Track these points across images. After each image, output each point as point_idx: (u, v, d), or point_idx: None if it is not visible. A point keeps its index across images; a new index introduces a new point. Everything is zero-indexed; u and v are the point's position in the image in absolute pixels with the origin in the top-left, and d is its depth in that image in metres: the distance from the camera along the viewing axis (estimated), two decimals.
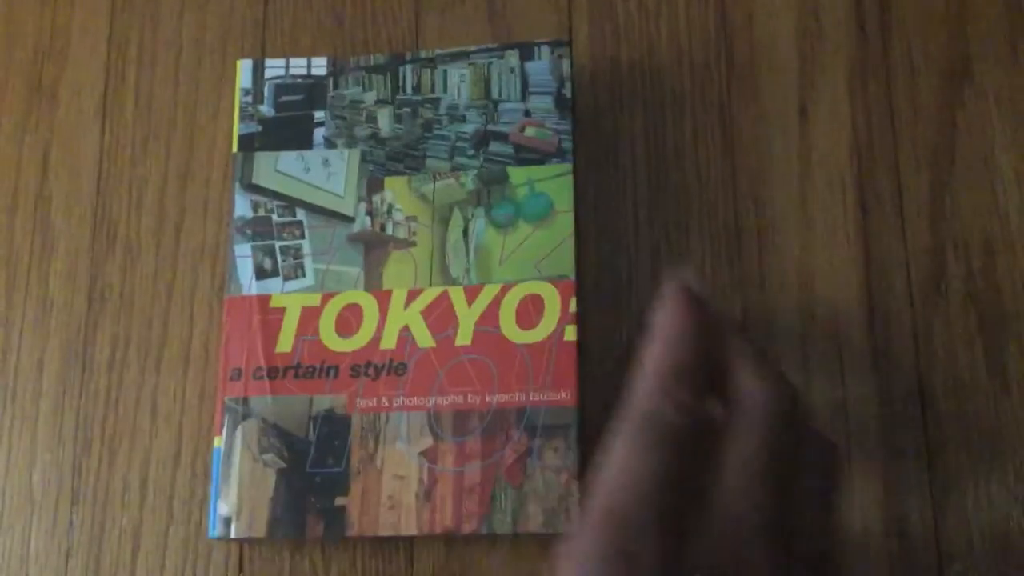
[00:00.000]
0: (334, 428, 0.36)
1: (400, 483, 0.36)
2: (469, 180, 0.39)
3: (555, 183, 0.38)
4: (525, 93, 0.39)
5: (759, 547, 0.28)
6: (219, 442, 0.36)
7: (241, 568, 0.38)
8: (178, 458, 0.39)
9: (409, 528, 0.35)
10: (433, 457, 0.36)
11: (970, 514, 0.37)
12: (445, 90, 0.40)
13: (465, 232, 0.38)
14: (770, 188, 0.41)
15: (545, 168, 0.39)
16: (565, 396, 0.36)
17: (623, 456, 0.29)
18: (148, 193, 0.42)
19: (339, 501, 0.36)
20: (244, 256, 0.38)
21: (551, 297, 0.37)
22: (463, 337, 0.37)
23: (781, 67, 0.43)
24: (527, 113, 0.39)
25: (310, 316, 0.37)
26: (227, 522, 0.36)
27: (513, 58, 0.40)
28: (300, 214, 0.39)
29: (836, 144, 0.42)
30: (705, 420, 0.30)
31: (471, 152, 0.39)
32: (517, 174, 0.39)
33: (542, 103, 0.39)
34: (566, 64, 0.40)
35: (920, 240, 0.40)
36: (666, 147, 0.42)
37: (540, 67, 0.40)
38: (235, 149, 0.40)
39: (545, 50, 0.40)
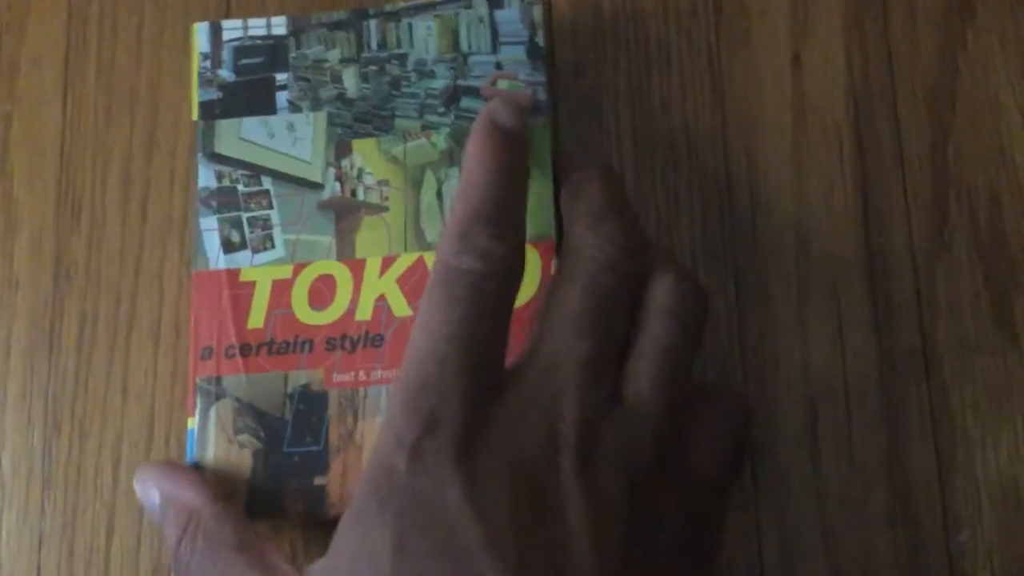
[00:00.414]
0: (311, 405, 0.35)
1: None
2: (441, 139, 0.37)
3: (530, 137, 0.36)
4: (496, 44, 0.37)
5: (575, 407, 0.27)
6: (192, 424, 0.35)
7: None
8: (151, 439, 0.37)
9: None
10: None
11: (978, 476, 0.36)
12: (412, 45, 0.38)
13: (439, 194, 0.36)
14: (762, 140, 0.39)
15: None
16: None
17: (424, 314, 0.29)
18: (113, 165, 0.40)
19: (318, 480, 0.34)
20: (210, 229, 0.36)
21: (531, 258, 0.35)
22: None
23: (772, 10, 0.41)
24: (498, 65, 0.37)
25: (282, 289, 0.36)
26: None
27: (481, 7, 0.38)
28: (267, 183, 0.37)
29: (831, 91, 0.40)
30: (516, 269, 0.29)
31: (441, 109, 0.37)
32: None
33: (514, 53, 0.37)
34: (537, 11, 0.37)
35: (921, 190, 0.38)
36: (652, 99, 0.40)
37: (510, 15, 0.37)
38: (195, 117, 0.38)
39: None
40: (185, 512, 0.31)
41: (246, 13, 0.41)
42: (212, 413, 0.35)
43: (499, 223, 0.29)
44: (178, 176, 0.40)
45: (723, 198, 0.39)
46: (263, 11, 0.41)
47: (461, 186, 0.31)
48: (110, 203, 0.40)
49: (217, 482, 0.34)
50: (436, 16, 0.38)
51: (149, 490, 0.33)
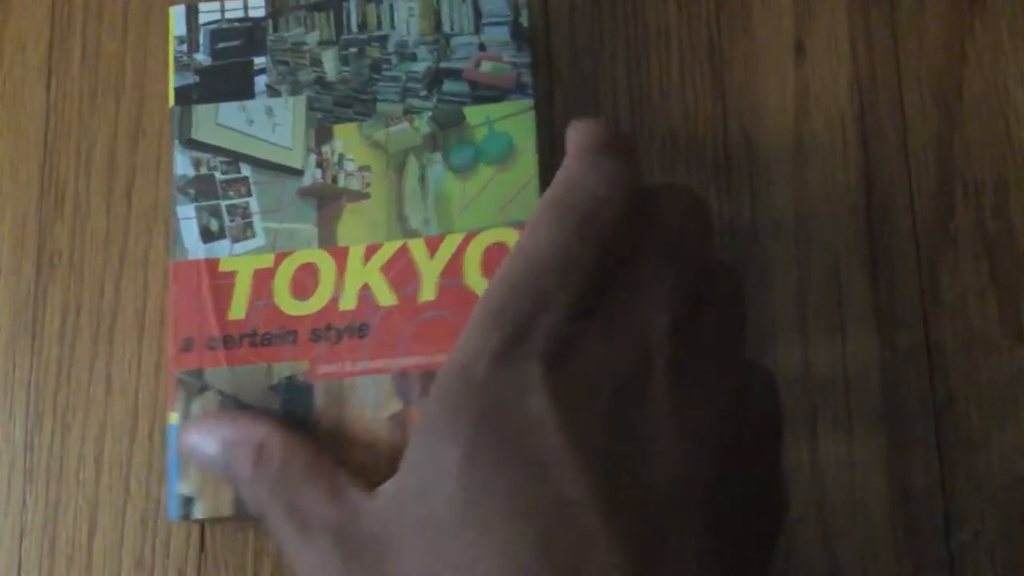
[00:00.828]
0: (297, 397, 0.33)
1: (369, 451, 0.33)
2: (423, 123, 0.36)
3: (515, 121, 0.35)
4: (479, 25, 0.36)
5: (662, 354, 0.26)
6: (175, 418, 0.34)
7: (203, 548, 0.35)
8: (134, 432, 0.37)
9: None
10: (404, 423, 0.33)
11: (980, 476, 0.35)
12: (393, 26, 0.37)
13: (422, 179, 0.35)
14: (764, 128, 0.38)
15: (504, 105, 0.35)
16: None
17: (530, 230, 0.27)
18: (97, 151, 0.39)
19: None
20: (188, 218, 0.35)
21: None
22: (427, 292, 0.34)
23: None
24: (482, 47, 0.36)
25: (263, 279, 0.34)
26: (188, 503, 0.33)
27: None
28: (245, 170, 0.35)
29: (835, 80, 0.39)
30: (630, 206, 0.28)
31: (424, 93, 0.36)
32: (474, 113, 0.35)
33: (497, 34, 0.36)
34: None
35: (927, 181, 0.37)
36: (650, 86, 0.39)
37: None
38: (172, 103, 0.37)
39: None
40: (254, 446, 0.30)
41: None
42: (195, 406, 0.34)
43: (628, 153, 0.29)
44: (164, 163, 0.39)
45: (722, 188, 0.38)
46: None
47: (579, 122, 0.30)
48: (94, 190, 0.39)
49: (210, 473, 0.33)
50: None
51: (204, 441, 0.32)
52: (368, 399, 0.34)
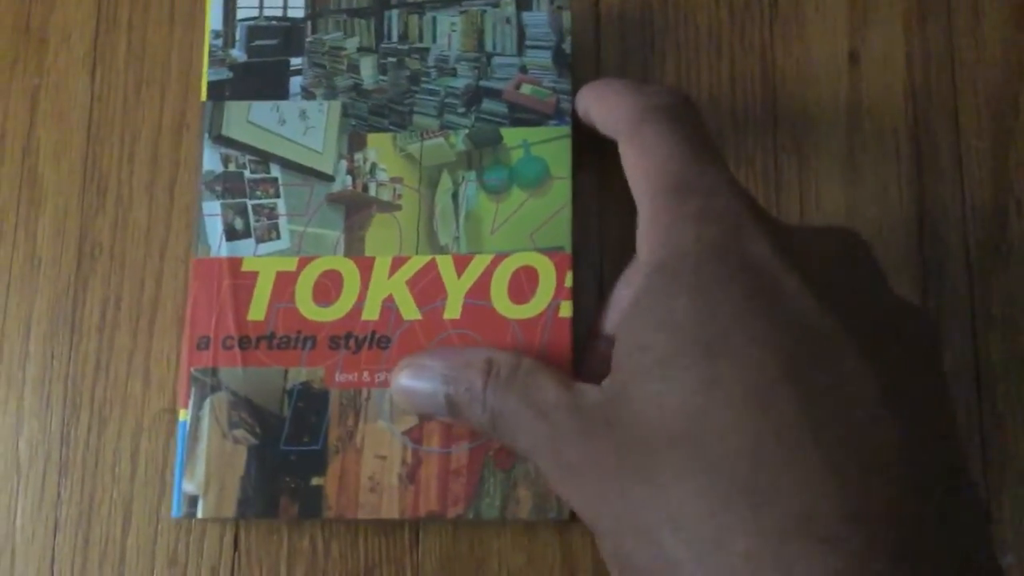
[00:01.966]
0: (311, 403, 0.33)
1: (382, 463, 0.33)
2: (459, 140, 0.35)
3: (552, 147, 0.34)
4: (521, 47, 0.35)
5: None
6: (184, 415, 0.33)
7: (236, 547, 0.35)
8: (171, 428, 0.36)
9: (391, 511, 0.32)
10: (418, 437, 0.33)
11: None
12: (434, 39, 0.36)
13: (455, 197, 0.34)
14: (815, 138, 0.37)
15: (542, 130, 0.35)
16: None
17: (655, 139, 0.30)
18: (141, 144, 0.38)
19: (315, 481, 0.32)
20: (213, 215, 0.35)
21: (546, 270, 0.33)
22: (452, 310, 0.33)
23: (830, 4, 0.38)
24: (523, 69, 0.35)
25: (285, 282, 0.34)
26: (192, 501, 0.33)
27: (509, 7, 0.36)
28: (275, 170, 0.35)
29: (889, 91, 0.38)
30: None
31: (461, 109, 0.35)
32: (511, 135, 0.35)
33: (540, 58, 0.35)
34: (566, 16, 0.36)
35: (980, 197, 0.36)
36: (700, 92, 0.38)
37: (538, 19, 0.35)
38: (204, 97, 0.36)
39: (544, 0, 0.36)
40: (482, 362, 0.30)
41: None
42: (207, 405, 0.33)
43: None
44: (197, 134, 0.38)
45: (771, 196, 0.37)
46: None
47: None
48: (137, 183, 0.38)
49: (216, 473, 0.33)
50: (462, 12, 0.36)
51: (421, 378, 0.31)
52: (384, 411, 0.33)
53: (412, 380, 0.31)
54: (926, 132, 0.37)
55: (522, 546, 0.34)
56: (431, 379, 0.31)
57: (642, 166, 0.29)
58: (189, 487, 0.33)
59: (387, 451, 0.33)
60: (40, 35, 0.40)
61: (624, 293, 0.33)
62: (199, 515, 0.33)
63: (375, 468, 0.33)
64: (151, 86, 0.39)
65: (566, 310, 0.33)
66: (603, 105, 0.32)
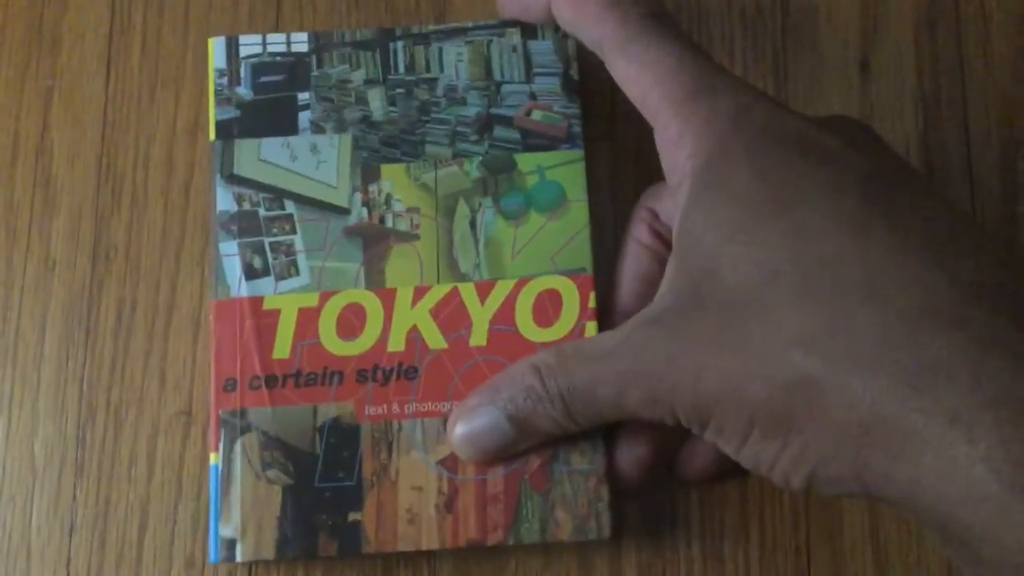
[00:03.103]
0: (342, 438, 0.33)
1: (419, 495, 0.32)
2: (473, 168, 0.34)
3: (566, 170, 0.34)
4: (529, 74, 0.35)
5: None
6: (215, 459, 0.33)
7: (251, 572, 0.35)
8: (188, 430, 0.36)
9: (431, 542, 0.32)
10: (453, 466, 0.32)
11: None
12: (442, 69, 0.35)
13: (473, 224, 0.34)
14: None
15: (555, 154, 0.34)
16: None
17: (653, 42, 0.30)
18: (156, 146, 0.38)
19: (352, 516, 0.32)
20: (230, 255, 0.34)
21: (569, 292, 0.33)
22: (477, 337, 0.33)
23: (841, 13, 0.38)
24: (533, 95, 0.35)
25: (308, 318, 0.33)
26: (231, 545, 0.32)
27: (515, 36, 0.35)
28: (289, 206, 0.34)
29: (899, 98, 0.38)
30: None
31: (474, 137, 0.35)
32: (525, 161, 0.34)
33: (548, 85, 0.35)
34: (572, 44, 0.35)
35: (991, 206, 0.37)
36: None
37: (544, 47, 0.35)
38: (212, 137, 0.35)
39: (548, 30, 0.35)
40: (528, 368, 0.30)
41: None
42: (238, 447, 0.32)
43: None
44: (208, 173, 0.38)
45: None
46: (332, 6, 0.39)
47: None
48: (152, 185, 0.38)
49: (252, 515, 0.32)
50: (468, 42, 0.35)
51: (477, 414, 0.31)
52: (417, 441, 0.33)
53: (468, 424, 0.31)
54: (936, 140, 0.37)
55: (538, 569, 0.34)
56: (486, 413, 0.31)
57: (648, 78, 0.29)
58: (226, 531, 0.32)
59: (423, 482, 0.32)
60: (53, 36, 0.39)
61: (640, 234, 0.33)
62: (238, 559, 0.32)
63: (412, 500, 0.32)
64: (166, 87, 0.39)
65: (592, 331, 0.33)
66: (583, 16, 0.31)
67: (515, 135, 0.35)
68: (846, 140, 0.27)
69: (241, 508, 0.32)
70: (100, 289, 0.37)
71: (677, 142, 0.28)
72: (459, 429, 0.32)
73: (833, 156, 0.27)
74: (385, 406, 0.33)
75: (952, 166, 0.37)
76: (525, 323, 0.33)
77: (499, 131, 0.35)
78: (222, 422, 0.33)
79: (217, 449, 0.33)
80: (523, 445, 0.32)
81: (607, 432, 0.32)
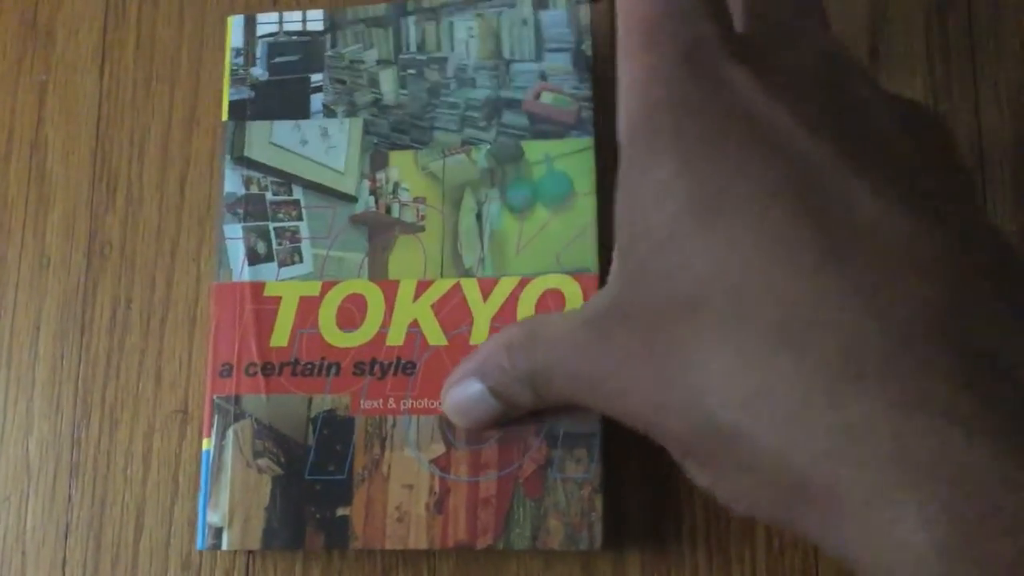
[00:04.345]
0: (335, 431, 0.31)
1: (409, 493, 0.31)
2: (481, 156, 0.33)
3: (575, 160, 0.33)
4: (540, 50, 0.34)
5: None
6: (208, 444, 0.32)
7: (250, 550, 0.34)
8: (184, 429, 0.35)
9: (419, 541, 0.31)
10: (445, 466, 0.31)
11: None
12: (452, 47, 0.34)
13: (479, 217, 0.33)
14: None
15: (564, 143, 0.33)
16: None
17: None
18: (151, 140, 0.37)
19: (341, 511, 0.31)
20: (235, 238, 0.33)
21: (572, 293, 0.32)
22: (478, 335, 0.32)
23: (850, 1, 0.37)
24: (543, 76, 0.33)
25: (309, 307, 0.32)
26: (218, 532, 0.31)
27: (526, 7, 0.34)
28: (297, 192, 0.33)
29: (910, 87, 0.36)
30: None
31: (482, 123, 0.33)
32: (533, 149, 0.33)
33: (560, 62, 0.33)
34: (584, 12, 0.33)
35: (1003, 196, 0.35)
36: None
37: (556, 17, 0.33)
38: (225, 117, 0.34)
39: None
40: (501, 345, 0.28)
41: None
42: (230, 434, 0.32)
43: None
44: (218, 155, 0.37)
45: None
46: None
47: None
48: (147, 180, 0.37)
49: (240, 503, 0.31)
50: (478, 15, 0.34)
51: (464, 384, 0.30)
52: (411, 439, 0.31)
53: (457, 395, 0.30)
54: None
55: (539, 571, 0.33)
56: (471, 384, 0.29)
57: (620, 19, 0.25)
58: (214, 518, 0.31)
59: (414, 480, 0.31)
60: (48, 30, 0.39)
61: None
62: (224, 547, 0.31)
63: (402, 498, 0.31)
64: (161, 81, 0.38)
65: None
66: None
67: (524, 120, 0.33)
68: (795, 109, 0.23)
69: (230, 496, 0.31)
70: (95, 286, 0.36)
71: (625, 87, 0.24)
72: (449, 400, 0.30)
73: (775, 143, 0.22)
74: (381, 400, 0.32)
75: (963, 154, 0.36)
76: None
77: (508, 116, 0.34)
78: (216, 407, 0.32)
79: (210, 435, 0.32)
80: (515, 415, 0.30)
81: (604, 443, 0.31)
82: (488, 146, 0.33)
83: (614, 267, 0.26)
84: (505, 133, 0.33)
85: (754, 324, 0.21)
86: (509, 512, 0.31)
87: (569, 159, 0.33)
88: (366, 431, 0.32)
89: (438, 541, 0.31)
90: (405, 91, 0.34)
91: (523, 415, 0.30)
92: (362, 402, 0.32)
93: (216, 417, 0.32)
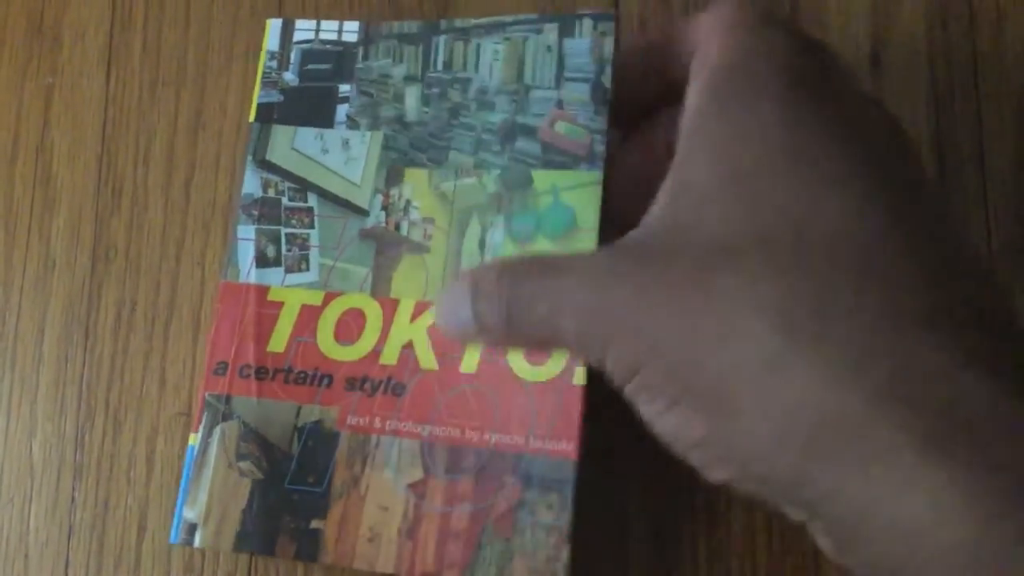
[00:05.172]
0: (320, 443, 0.31)
1: (383, 515, 0.31)
2: (491, 181, 0.33)
3: (581, 194, 0.32)
4: (560, 78, 0.33)
5: None
6: (193, 440, 0.31)
7: (252, 553, 0.34)
8: (187, 431, 0.35)
9: (387, 565, 0.30)
10: (421, 492, 0.31)
11: None
12: (477, 68, 0.34)
13: (481, 244, 0.32)
14: None
15: (573, 175, 0.32)
16: (566, 447, 0.30)
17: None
18: (156, 144, 0.37)
19: (315, 524, 0.31)
20: (247, 239, 0.33)
21: None
22: (468, 364, 0.31)
23: (852, 7, 0.37)
24: (560, 104, 0.33)
25: (309, 316, 0.32)
26: (191, 529, 0.31)
27: (552, 34, 0.33)
28: (312, 200, 0.33)
29: (911, 94, 0.36)
30: None
31: (496, 148, 0.33)
32: (542, 179, 0.32)
33: (576, 92, 0.33)
34: (608, 44, 0.33)
35: (1004, 203, 0.35)
36: None
37: (579, 47, 0.33)
38: (252, 119, 0.34)
39: (587, 24, 0.33)
40: (497, 262, 0.27)
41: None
42: (216, 432, 0.31)
43: None
44: (224, 159, 0.37)
45: None
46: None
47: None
48: (152, 184, 0.37)
49: (218, 503, 0.31)
50: (506, 39, 0.34)
51: (456, 290, 0.27)
52: (391, 460, 0.31)
53: (449, 299, 0.28)
54: (949, 137, 0.36)
55: None
56: (461, 295, 0.27)
57: None
58: (189, 514, 0.31)
59: (389, 503, 0.31)
60: (54, 34, 0.39)
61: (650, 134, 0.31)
62: (196, 544, 0.31)
63: (376, 519, 0.31)
64: (167, 85, 0.38)
65: (580, 377, 0.30)
66: None
67: (536, 148, 0.33)
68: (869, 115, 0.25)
69: (208, 494, 0.31)
70: (100, 289, 0.36)
71: (707, 36, 0.26)
72: (437, 304, 0.29)
73: (864, 114, 0.24)
74: (368, 418, 0.31)
75: (965, 165, 0.36)
76: (517, 358, 0.31)
77: (521, 143, 0.33)
78: (207, 404, 0.32)
79: (197, 430, 0.32)
80: (485, 341, 0.28)
81: (576, 492, 0.30)
82: (499, 171, 0.33)
83: (660, 202, 0.24)
84: (516, 159, 0.33)
85: (829, 262, 0.22)
86: (478, 548, 0.30)
87: (576, 192, 0.32)
88: (349, 447, 0.31)
89: (406, 567, 0.30)
90: (427, 109, 0.34)
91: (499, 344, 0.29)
92: (349, 417, 0.31)
93: (205, 414, 0.32)
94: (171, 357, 0.35)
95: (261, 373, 0.32)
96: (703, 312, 0.22)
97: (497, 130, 0.33)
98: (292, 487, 0.31)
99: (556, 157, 0.33)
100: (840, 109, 0.24)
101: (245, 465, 0.31)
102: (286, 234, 0.33)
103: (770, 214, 0.22)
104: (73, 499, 0.35)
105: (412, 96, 0.34)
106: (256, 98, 0.34)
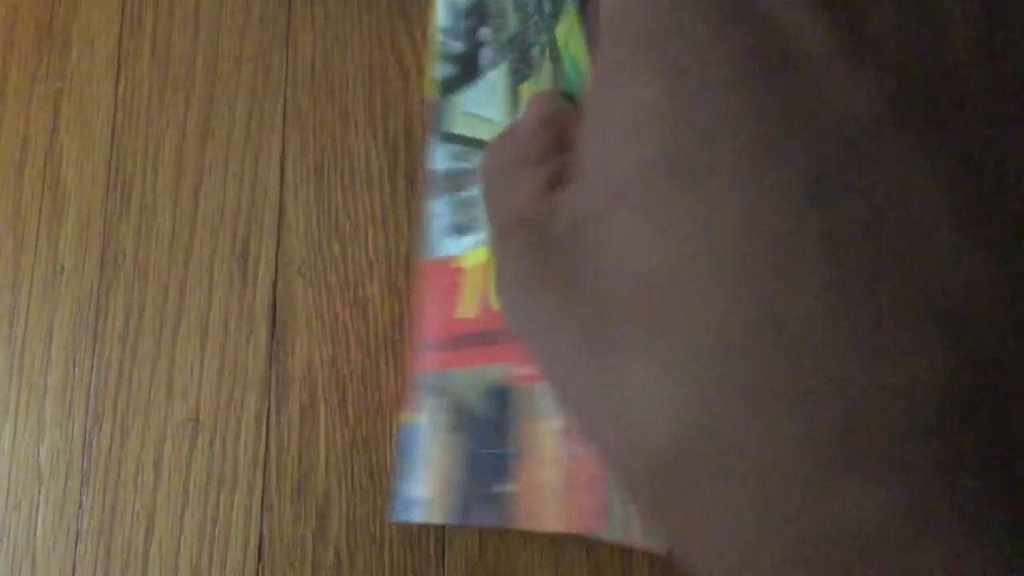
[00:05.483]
0: (501, 402, 0.30)
1: (552, 470, 0.29)
2: (545, 61, 0.31)
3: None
4: None
5: None
6: (408, 417, 0.31)
7: (260, 558, 0.34)
8: (195, 438, 0.35)
9: (558, 524, 0.29)
10: (567, 438, 0.29)
11: None
12: None
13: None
14: None
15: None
16: None
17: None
18: (165, 150, 0.37)
19: (508, 487, 0.30)
20: (440, 215, 0.32)
21: None
22: None
23: None
24: None
25: (484, 273, 0.31)
26: (418, 504, 0.30)
27: None
28: (476, 158, 0.32)
29: None
30: None
31: (537, 20, 0.32)
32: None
33: None
34: None
35: None
36: None
37: None
38: (435, 95, 0.33)
39: None
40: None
41: None
42: (427, 407, 0.30)
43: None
44: (232, 165, 0.37)
45: None
46: None
47: None
48: (161, 190, 0.37)
49: (435, 477, 0.30)
50: None
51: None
52: (545, 407, 0.30)
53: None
54: None
55: (549, 560, 0.33)
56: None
57: None
58: (415, 491, 0.30)
59: (553, 456, 0.30)
60: (63, 39, 0.39)
61: None
62: (417, 519, 0.30)
63: (547, 474, 0.29)
64: (175, 90, 0.38)
65: None
66: None
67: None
68: (837, 24, 0.16)
69: (426, 469, 0.30)
70: (108, 294, 0.36)
71: None
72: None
73: (800, 79, 0.12)
74: (528, 366, 0.30)
75: None
76: None
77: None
78: (417, 382, 0.31)
79: (409, 409, 0.31)
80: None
81: None
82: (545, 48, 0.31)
83: (580, 177, 0.17)
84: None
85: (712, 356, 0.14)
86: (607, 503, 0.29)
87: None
88: (522, 400, 0.30)
89: (573, 522, 0.29)
90: (517, 14, 0.32)
91: None
92: (515, 369, 0.30)
93: (417, 392, 0.31)
94: (179, 363, 0.35)
95: (458, 341, 0.31)
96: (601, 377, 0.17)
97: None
98: (487, 451, 0.30)
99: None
100: (768, 87, 0.15)
101: (453, 437, 0.31)
102: (465, 199, 0.32)
103: (651, 261, 0.15)
104: (80, 504, 0.34)
105: (508, 8, 0.33)
106: (434, 74, 0.33)
